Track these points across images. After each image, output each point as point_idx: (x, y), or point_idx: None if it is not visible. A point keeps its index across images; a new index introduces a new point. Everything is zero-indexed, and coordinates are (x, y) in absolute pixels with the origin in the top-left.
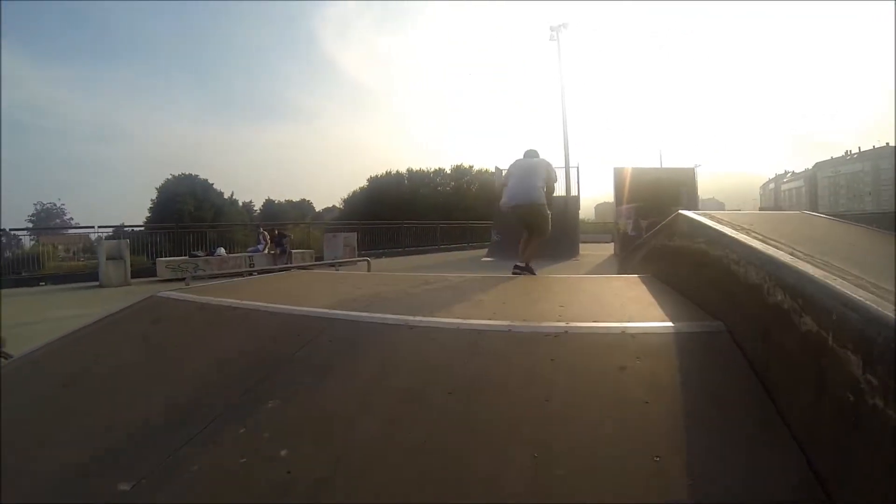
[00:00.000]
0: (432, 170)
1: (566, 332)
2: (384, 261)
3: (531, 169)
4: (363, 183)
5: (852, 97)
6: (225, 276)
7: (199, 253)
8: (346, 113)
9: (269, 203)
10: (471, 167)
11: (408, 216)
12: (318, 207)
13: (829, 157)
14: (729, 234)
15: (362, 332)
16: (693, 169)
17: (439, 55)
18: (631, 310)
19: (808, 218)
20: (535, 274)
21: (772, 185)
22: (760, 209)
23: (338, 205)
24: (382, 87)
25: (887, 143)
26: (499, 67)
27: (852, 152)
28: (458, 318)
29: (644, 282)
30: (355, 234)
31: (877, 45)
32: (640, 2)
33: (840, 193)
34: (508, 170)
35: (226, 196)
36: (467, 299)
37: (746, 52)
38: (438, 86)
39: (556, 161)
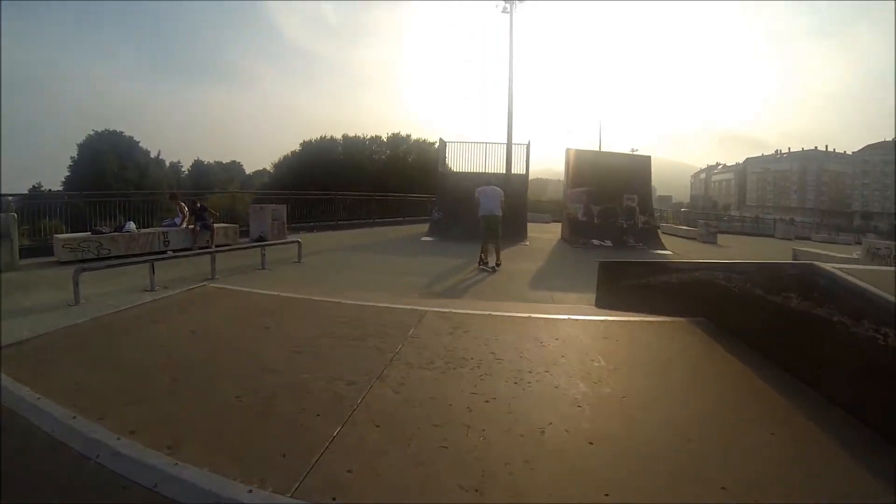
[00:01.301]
0: (368, 137)
1: None
2: (315, 237)
3: (494, 193)
4: (297, 147)
5: (779, 101)
6: (131, 259)
7: (104, 229)
8: (286, 77)
9: (197, 164)
10: (408, 136)
11: (340, 184)
12: (249, 170)
13: (759, 154)
14: None
15: None
16: (649, 157)
17: (386, 23)
18: None
19: None
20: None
21: (703, 176)
22: (691, 197)
23: (269, 168)
24: (327, 53)
25: (815, 147)
26: (448, 38)
27: (782, 152)
28: None
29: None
30: (284, 206)
31: (802, 55)
32: None
33: (767, 189)
34: (478, 194)
35: (152, 155)
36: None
37: (691, 49)
38: (383, 54)
39: (500, 137)
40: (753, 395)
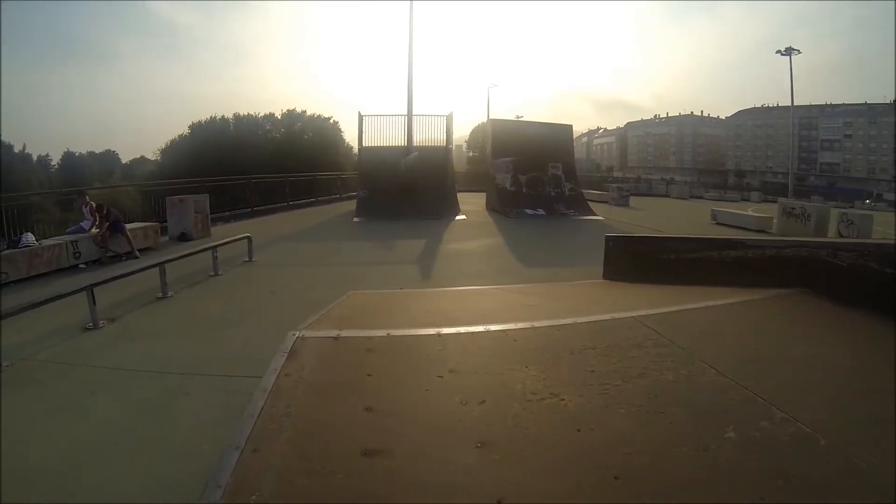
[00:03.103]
0: (261, 115)
1: None
2: (237, 228)
3: None
4: (182, 130)
5: (654, 69)
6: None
7: None
8: (158, 54)
9: (68, 156)
10: (303, 112)
11: (237, 166)
12: (126, 159)
13: (639, 119)
14: None
15: None
16: (570, 126)
17: None
18: None
19: None
20: None
21: (585, 139)
22: (575, 160)
23: (149, 156)
24: (199, 25)
25: (691, 112)
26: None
27: (661, 116)
28: None
29: None
30: (207, 196)
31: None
32: None
33: (648, 151)
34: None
35: (16, 150)
36: None
37: (572, 19)
38: (265, 26)
39: (401, 108)
40: None
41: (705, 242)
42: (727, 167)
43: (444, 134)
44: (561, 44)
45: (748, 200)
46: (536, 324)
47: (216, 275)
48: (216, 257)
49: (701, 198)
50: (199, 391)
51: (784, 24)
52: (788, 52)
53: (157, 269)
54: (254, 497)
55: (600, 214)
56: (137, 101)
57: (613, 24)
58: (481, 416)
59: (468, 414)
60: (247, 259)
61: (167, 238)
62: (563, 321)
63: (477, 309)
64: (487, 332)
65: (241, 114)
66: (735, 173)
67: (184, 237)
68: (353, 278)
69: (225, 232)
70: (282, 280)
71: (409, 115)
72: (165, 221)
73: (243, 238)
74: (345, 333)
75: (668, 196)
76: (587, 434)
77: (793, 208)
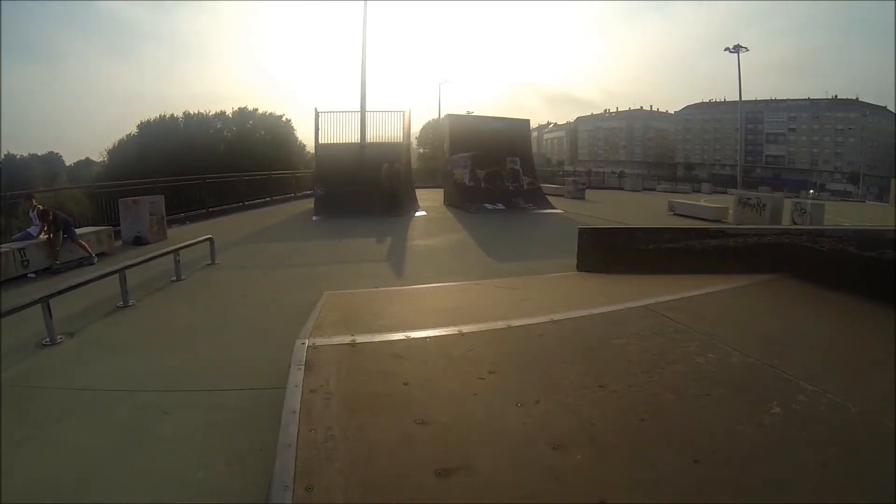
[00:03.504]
0: (212, 113)
1: None
2: (193, 231)
3: None
4: (130, 130)
5: (603, 65)
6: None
7: None
8: (100, 50)
9: (9, 158)
10: (255, 110)
11: (189, 166)
12: (70, 161)
13: (589, 114)
14: None
15: None
16: (528, 121)
17: None
18: None
19: None
20: None
21: (535, 134)
22: None
23: (95, 157)
24: (143, 19)
25: (641, 107)
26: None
27: (610, 111)
28: None
29: None
30: (162, 197)
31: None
32: None
33: (598, 145)
34: None
35: None
36: None
37: (523, 14)
38: (214, 19)
39: (356, 106)
40: None
41: (685, 232)
42: (676, 160)
43: (402, 130)
44: (511, 40)
45: (699, 192)
46: (556, 317)
47: (179, 280)
48: (178, 261)
49: (653, 190)
50: (180, 410)
51: (732, 22)
52: (736, 49)
53: (116, 275)
54: None
55: (559, 208)
56: (81, 101)
57: (564, 21)
58: (543, 416)
59: (528, 415)
60: (209, 262)
61: (121, 242)
62: (580, 313)
63: (477, 305)
64: (509, 328)
65: (192, 112)
66: (684, 166)
67: (139, 241)
68: (323, 278)
69: (181, 234)
70: (250, 283)
71: (363, 111)
72: (118, 225)
73: (205, 240)
74: (360, 339)
75: (622, 189)
76: (651, 423)
77: (748, 198)
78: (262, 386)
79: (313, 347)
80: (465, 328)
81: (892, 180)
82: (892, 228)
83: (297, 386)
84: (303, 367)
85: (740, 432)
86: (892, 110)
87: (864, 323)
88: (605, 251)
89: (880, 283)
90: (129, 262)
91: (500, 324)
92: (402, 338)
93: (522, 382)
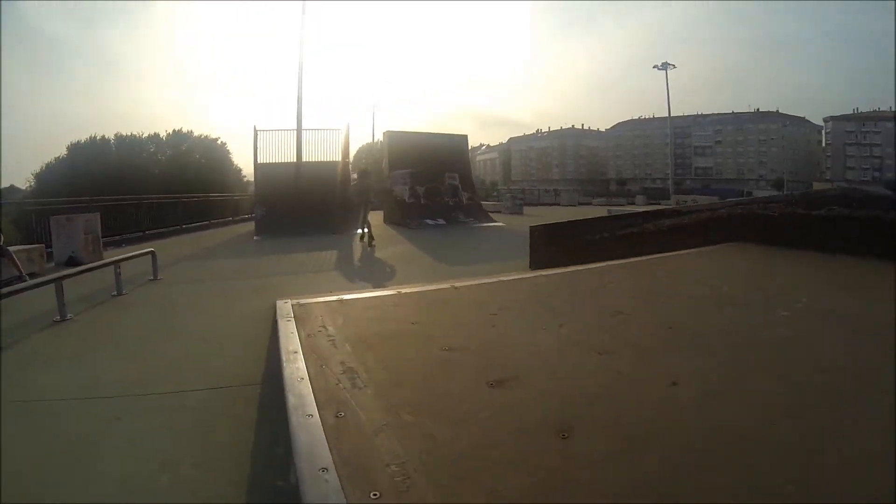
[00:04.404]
0: (145, 135)
1: None
2: (131, 251)
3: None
4: (59, 152)
5: (534, 86)
6: None
7: None
8: (22, 68)
9: None
10: (190, 132)
11: (121, 189)
12: None
13: (521, 134)
14: None
15: None
16: (465, 136)
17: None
18: None
19: None
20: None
21: (469, 156)
22: None
23: (20, 185)
24: (69, 35)
25: (573, 126)
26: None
27: (542, 131)
28: None
29: None
30: (98, 215)
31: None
32: None
33: (531, 164)
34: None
35: None
36: None
37: (457, 40)
38: (148, 36)
39: (291, 122)
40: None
41: (640, 216)
42: (609, 176)
43: (341, 148)
44: (443, 63)
45: (634, 204)
46: (546, 273)
47: (120, 294)
48: (119, 274)
49: (589, 204)
50: (136, 415)
51: (660, 41)
52: (664, 66)
53: (49, 292)
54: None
55: (499, 221)
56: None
57: (495, 43)
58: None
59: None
60: (151, 277)
61: (53, 263)
62: (567, 270)
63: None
64: (500, 282)
65: (124, 134)
66: (616, 181)
67: (73, 261)
68: (274, 288)
69: (118, 256)
70: (197, 295)
71: (299, 130)
72: (50, 245)
73: (147, 253)
74: (348, 297)
75: (558, 204)
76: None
77: (685, 201)
78: (224, 384)
79: (299, 305)
80: (458, 283)
81: (814, 184)
82: (833, 189)
83: (292, 332)
84: (293, 319)
85: (764, 389)
86: (810, 120)
87: (820, 272)
88: (559, 245)
89: (829, 237)
90: (65, 272)
91: (492, 279)
92: (394, 293)
93: (531, 315)
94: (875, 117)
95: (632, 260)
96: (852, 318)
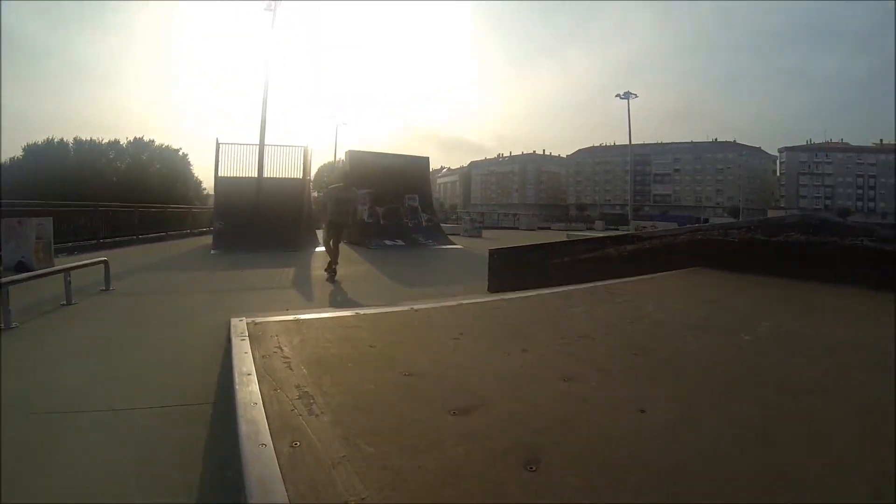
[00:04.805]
0: (105, 141)
1: None
2: (84, 259)
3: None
4: (14, 153)
5: (496, 112)
6: None
7: None
8: None
9: None
10: (151, 141)
11: (77, 196)
12: None
13: (482, 158)
14: None
15: None
16: (427, 158)
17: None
18: None
19: None
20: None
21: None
22: None
23: None
24: (34, 35)
25: (534, 151)
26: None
27: (504, 155)
28: None
29: None
30: (51, 219)
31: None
32: None
33: (491, 188)
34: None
35: None
36: None
37: (419, 64)
38: (115, 40)
39: (255, 137)
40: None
41: (601, 241)
42: (569, 201)
43: (302, 165)
44: (405, 86)
45: (593, 228)
46: (507, 297)
47: (70, 304)
48: (69, 282)
49: (549, 228)
50: (78, 431)
51: (622, 71)
52: (627, 95)
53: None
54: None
55: (458, 244)
56: None
57: (457, 68)
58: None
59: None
60: (104, 288)
61: (1, 268)
62: (528, 294)
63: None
64: (460, 305)
65: (83, 138)
66: (576, 206)
67: (22, 266)
68: (229, 304)
69: (70, 263)
70: (150, 307)
71: (262, 145)
72: None
73: (100, 262)
74: (304, 316)
75: (517, 228)
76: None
77: (644, 226)
78: (173, 402)
79: (254, 323)
80: (417, 306)
81: (768, 211)
82: (790, 216)
83: (245, 353)
84: (247, 338)
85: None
86: (766, 150)
87: (780, 296)
88: (518, 268)
89: (787, 262)
90: (12, 278)
91: (452, 301)
92: (352, 314)
93: (493, 339)
94: (827, 148)
95: (593, 284)
96: (815, 341)
